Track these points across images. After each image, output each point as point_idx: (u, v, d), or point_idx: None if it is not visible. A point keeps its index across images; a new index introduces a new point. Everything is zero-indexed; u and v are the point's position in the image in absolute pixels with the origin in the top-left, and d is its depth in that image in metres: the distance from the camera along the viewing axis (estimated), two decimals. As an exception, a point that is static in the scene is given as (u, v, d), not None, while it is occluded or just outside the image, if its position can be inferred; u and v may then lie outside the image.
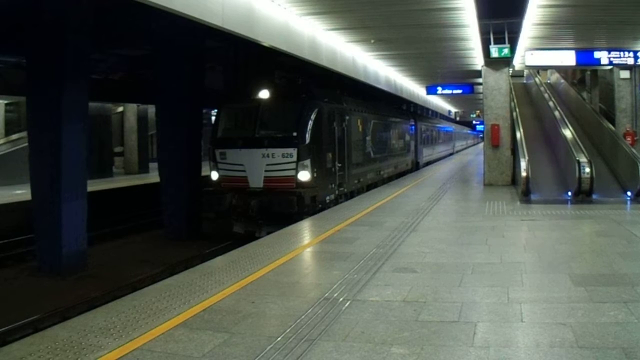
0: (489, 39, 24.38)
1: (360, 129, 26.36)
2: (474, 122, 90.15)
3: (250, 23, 16.02)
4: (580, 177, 19.81)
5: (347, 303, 8.62)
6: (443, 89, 40.26)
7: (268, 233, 16.78)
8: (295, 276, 10.54)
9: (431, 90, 41.26)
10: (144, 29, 21.98)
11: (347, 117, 23.94)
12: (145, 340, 7.19)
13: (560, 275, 9.98)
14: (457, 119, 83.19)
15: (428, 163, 46.76)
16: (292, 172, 19.80)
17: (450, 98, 58.62)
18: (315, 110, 20.72)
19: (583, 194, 19.93)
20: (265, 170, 19.97)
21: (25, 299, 15.09)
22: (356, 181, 25.42)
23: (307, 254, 12.61)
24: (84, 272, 17.84)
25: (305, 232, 15.30)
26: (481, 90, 29.74)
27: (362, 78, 28.14)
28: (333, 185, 22.14)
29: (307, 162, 19.86)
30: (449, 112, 74.12)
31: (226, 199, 19.98)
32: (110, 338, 7.27)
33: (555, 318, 7.64)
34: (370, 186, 28.03)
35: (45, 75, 17.43)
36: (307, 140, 20.08)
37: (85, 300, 14.62)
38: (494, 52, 24.75)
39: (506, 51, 24.66)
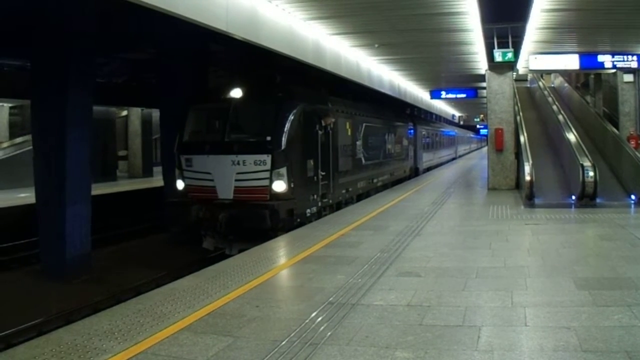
0: (493, 43, 24.36)
1: (349, 133, 24.03)
2: (477, 126, 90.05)
3: (255, 27, 16.02)
4: (584, 181, 19.78)
5: (351, 307, 8.64)
6: (447, 93, 40.26)
7: (240, 251, 15.28)
8: (299, 280, 10.55)
9: (435, 95, 41.17)
10: (148, 33, 21.92)
11: (334, 120, 21.55)
12: (149, 343, 7.20)
13: (564, 279, 9.98)
14: (461, 123, 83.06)
15: (429, 169, 45.22)
16: (266, 182, 17.49)
17: (454, 102, 58.55)
18: (294, 111, 18.44)
19: (587, 198, 19.90)
20: (236, 180, 17.66)
21: (29, 302, 15.10)
22: (344, 191, 23.05)
23: (312, 258, 12.54)
24: (88, 276, 17.83)
25: (310, 236, 15.26)
26: (485, 95, 29.76)
27: (366, 82, 28.12)
28: (315, 197, 19.64)
29: (283, 170, 17.52)
30: (453, 116, 74.08)
31: (192, 211, 17.73)
32: (114, 341, 7.30)
33: (559, 322, 7.64)
34: (362, 196, 25.71)
35: (49, 78, 17.46)
36: (283, 145, 17.71)
37: (89, 303, 14.62)
38: (498, 56, 24.71)
39: (510, 55, 24.61)
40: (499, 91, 26.94)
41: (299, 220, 18.18)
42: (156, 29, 20.43)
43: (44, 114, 17.79)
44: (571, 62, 25.10)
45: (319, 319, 8.09)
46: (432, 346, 6.94)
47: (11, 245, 20.41)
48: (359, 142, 25.40)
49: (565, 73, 37.92)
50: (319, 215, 19.84)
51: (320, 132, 20.05)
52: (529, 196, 20.86)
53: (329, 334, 7.46)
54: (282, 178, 17.49)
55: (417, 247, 13.48)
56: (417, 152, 40.82)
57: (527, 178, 20.82)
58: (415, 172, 39.79)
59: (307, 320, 8.00)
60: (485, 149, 41.88)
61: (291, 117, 18.24)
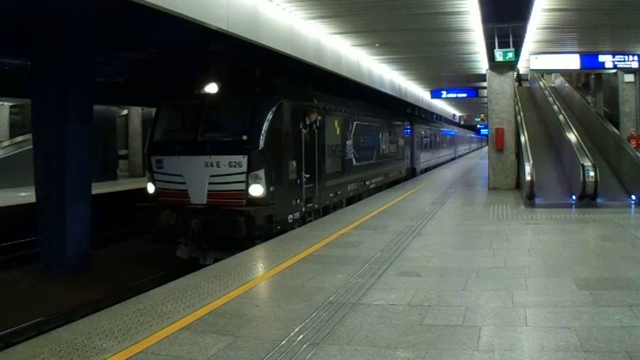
0: (494, 42, 24.33)
1: (338, 132, 22.69)
2: (478, 125, 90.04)
3: (255, 27, 16.02)
4: (584, 181, 19.81)
5: (352, 307, 8.64)
6: (447, 92, 40.31)
7: (215, 260, 14.14)
8: (299, 280, 10.51)
9: (436, 94, 41.19)
10: (149, 32, 21.82)
11: (320, 117, 20.05)
12: (149, 343, 7.20)
13: (564, 279, 9.99)
14: (462, 123, 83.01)
15: (427, 169, 44.16)
16: (242, 186, 16.07)
17: (454, 102, 58.49)
18: (274, 107, 16.91)
19: (587, 198, 19.93)
20: (209, 183, 16.27)
21: (29, 301, 15.09)
22: (332, 194, 21.70)
23: (312, 257, 12.52)
24: (89, 275, 17.81)
25: (310, 235, 15.25)
26: (485, 94, 29.79)
27: (366, 82, 28.07)
28: (298, 201, 18.25)
29: (261, 172, 16.13)
30: (454, 115, 74.05)
31: (163, 217, 16.26)
32: (114, 340, 7.30)
33: (560, 322, 7.64)
34: (353, 200, 24.48)
35: (50, 77, 17.46)
36: (261, 145, 16.25)
37: (89, 302, 14.59)
38: (499, 56, 24.68)
39: (511, 55, 24.58)
40: (499, 91, 26.94)
41: (279, 227, 16.76)
42: (158, 28, 20.35)
43: (45, 113, 17.78)
44: (572, 62, 25.15)
45: (319, 318, 8.09)
46: (432, 346, 6.94)
47: (11, 244, 20.38)
48: (349, 142, 24.12)
49: (566, 73, 37.94)
50: (303, 221, 18.56)
51: (304, 131, 18.69)
52: (530, 196, 20.86)
53: (329, 333, 7.46)
54: (260, 181, 16.14)
55: (418, 247, 13.47)
56: (414, 152, 39.89)
57: (528, 178, 20.81)
58: (412, 173, 38.94)
59: (307, 320, 8.00)
60: (485, 148, 41.85)
61: (270, 114, 16.79)
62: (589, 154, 21.30)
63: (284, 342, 7.17)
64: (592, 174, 19.82)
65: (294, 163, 17.99)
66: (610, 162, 24.90)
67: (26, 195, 23.55)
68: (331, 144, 21.68)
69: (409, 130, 38.24)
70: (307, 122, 19.05)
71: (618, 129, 27.28)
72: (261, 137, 16.35)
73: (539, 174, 22.22)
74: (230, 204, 16.02)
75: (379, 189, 29.10)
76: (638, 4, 17.72)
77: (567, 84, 38.73)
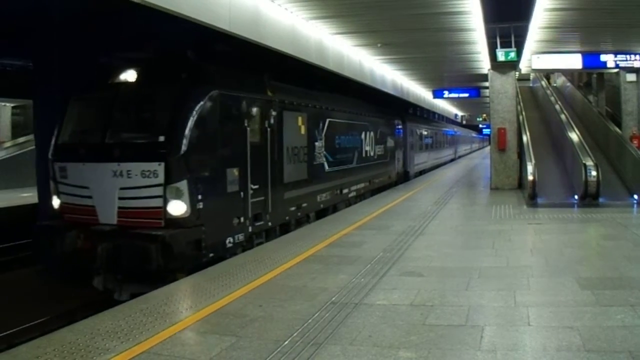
0: (496, 42, 24.33)
1: (303, 131, 18.73)
2: (480, 125, 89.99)
3: (257, 27, 16.02)
4: (586, 181, 19.83)
5: (354, 307, 8.65)
6: (449, 92, 40.20)
7: (133, 295, 11.26)
8: (302, 280, 10.52)
9: (438, 94, 41.10)
10: (151, 33, 21.72)
11: (276, 113, 16.38)
12: (152, 343, 7.23)
13: (567, 278, 10.00)
14: (464, 122, 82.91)
15: (422, 172, 40.88)
16: (158, 202, 12.35)
17: (456, 102, 58.48)
18: (205, 100, 13.19)
19: (590, 198, 19.93)
20: (120, 198, 12.63)
21: (31, 302, 15.06)
22: (293, 208, 17.86)
23: (314, 257, 12.53)
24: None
25: (312, 236, 15.24)
26: (488, 94, 29.78)
27: (369, 82, 28.05)
28: (241, 220, 14.39)
29: (182, 184, 12.39)
30: (456, 115, 74.08)
31: (67, 239, 12.77)
32: (117, 341, 7.33)
33: (562, 321, 7.66)
34: (326, 212, 20.92)
35: (51, 78, 17.46)
36: (184, 148, 12.50)
37: (91, 303, 14.47)
38: (501, 55, 24.68)
39: (513, 55, 24.59)
40: (501, 91, 26.93)
41: (212, 255, 13.07)
42: (160, 28, 20.19)
43: (47, 114, 17.78)
44: (574, 61, 25.14)
45: (322, 318, 8.10)
46: (435, 346, 6.96)
47: (13, 245, 20.35)
48: (318, 143, 20.16)
49: (568, 72, 37.94)
50: (250, 243, 14.85)
51: (250, 130, 14.81)
52: (532, 196, 20.88)
53: (332, 333, 7.48)
54: (182, 196, 12.41)
55: (420, 247, 13.48)
56: (408, 153, 36.11)
57: (530, 178, 20.85)
58: (404, 177, 35.33)
59: (310, 320, 8.02)
60: (487, 148, 41.74)
61: (198, 109, 12.99)
62: (591, 154, 21.31)
63: (286, 342, 7.19)
64: (594, 173, 19.83)
65: (235, 171, 14.17)
66: (612, 161, 24.89)
67: (28, 196, 23.49)
68: (292, 146, 17.77)
69: (400, 130, 34.43)
70: (256, 120, 15.41)
71: (620, 128, 27.27)
72: (184, 137, 12.58)
73: (541, 174, 22.24)
74: (145, 225, 12.35)
75: (362, 197, 25.63)
76: (639, 4, 17.73)
77: (569, 84, 38.75)
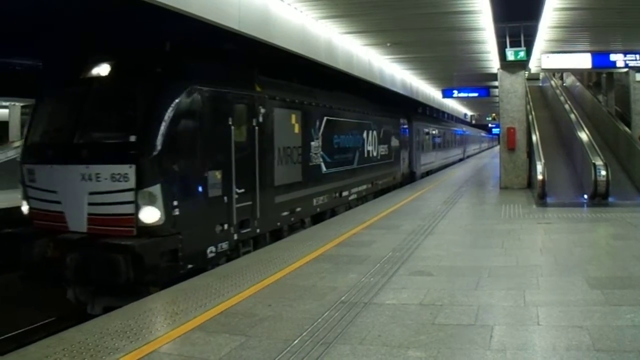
0: (505, 42, 24.34)
1: (297, 130, 17.54)
2: (490, 125, 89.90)
3: (267, 26, 16.06)
4: (596, 180, 19.78)
5: (364, 306, 8.65)
6: (459, 92, 40.06)
7: (106, 309, 10.25)
8: (311, 279, 10.51)
9: (447, 94, 40.98)
10: (162, 32, 21.62)
11: (265, 111, 15.18)
12: (161, 343, 7.26)
13: (576, 278, 9.98)
14: (473, 121, 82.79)
15: (429, 172, 39.80)
16: (130, 208, 11.29)
17: (466, 101, 58.49)
18: (182, 96, 12.05)
19: (599, 197, 19.88)
20: (89, 204, 11.54)
21: (40, 302, 15.00)
22: (286, 213, 16.64)
23: (324, 257, 12.51)
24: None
25: (321, 235, 15.24)
26: (497, 94, 29.74)
27: (378, 81, 28.10)
28: (225, 227, 13.19)
29: (156, 189, 11.30)
30: (465, 115, 74.10)
31: (36, 247, 11.74)
32: (126, 340, 7.34)
33: (572, 321, 7.65)
34: (323, 216, 19.67)
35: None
36: (158, 148, 11.43)
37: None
38: (510, 55, 24.69)
39: (522, 54, 24.59)
40: (511, 90, 26.88)
41: (191, 266, 11.91)
42: (171, 27, 20.07)
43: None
44: (583, 61, 25.03)
45: (331, 318, 8.10)
46: (444, 345, 6.96)
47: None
48: (314, 143, 18.90)
49: (577, 72, 37.86)
50: (236, 252, 13.71)
51: (234, 129, 13.61)
52: (541, 195, 20.84)
53: (341, 333, 7.48)
54: (155, 202, 11.32)
55: (430, 246, 13.47)
56: (414, 153, 35.00)
57: (540, 177, 20.82)
58: (410, 177, 34.10)
59: (319, 319, 8.02)
60: (496, 148, 41.63)
61: (175, 105, 11.88)
62: (600, 153, 21.26)
63: (296, 341, 7.19)
64: (603, 173, 19.79)
65: (217, 174, 13.00)
66: (622, 161, 24.85)
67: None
68: (284, 146, 16.60)
69: (406, 129, 33.21)
70: (243, 117, 14.20)
71: (630, 128, 27.21)
72: (157, 137, 11.48)
73: (551, 173, 22.19)
74: (116, 233, 11.34)
75: (364, 199, 24.47)
76: (649, 3, 17.72)
77: (578, 83, 38.67)
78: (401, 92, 34.05)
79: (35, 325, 11.98)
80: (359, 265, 11.52)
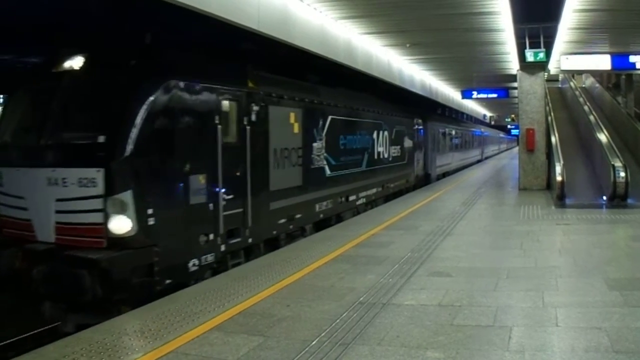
0: (525, 43, 24.27)
1: (296, 130, 16.19)
2: (508, 126, 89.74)
3: (286, 26, 16.07)
4: (615, 182, 19.72)
5: (382, 307, 8.65)
6: (478, 93, 39.90)
7: (79, 327, 9.12)
8: (330, 280, 10.52)
9: (466, 94, 40.84)
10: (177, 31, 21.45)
11: (259, 109, 13.85)
12: (180, 343, 7.28)
13: (595, 279, 9.96)
14: (492, 123, 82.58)
15: (445, 174, 38.53)
16: (98, 217, 10.08)
17: (485, 102, 58.36)
18: (157, 91, 10.77)
19: (618, 198, 19.81)
20: (57, 211, 10.43)
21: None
22: (283, 220, 15.25)
23: (342, 257, 12.50)
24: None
25: (340, 236, 15.23)
26: (516, 95, 29.72)
27: (397, 82, 28.09)
28: (211, 237, 11.90)
29: (126, 196, 10.06)
30: (484, 116, 74.01)
31: (2, 256, 10.81)
32: (144, 340, 7.39)
33: (590, 322, 7.63)
34: (327, 222, 18.21)
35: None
36: (129, 150, 10.19)
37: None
38: (530, 56, 24.61)
39: (541, 55, 24.51)
40: (530, 91, 26.78)
41: (169, 281, 10.66)
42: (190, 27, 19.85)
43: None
44: (603, 62, 24.93)
45: (350, 318, 8.11)
46: (463, 346, 6.96)
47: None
48: (317, 144, 17.55)
49: (596, 73, 37.74)
50: (224, 265, 12.45)
51: (222, 128, 12.30)
52: (560, 196, 20.77)
53: (360, 333, 7.49)
54: (126, 210, 10.07)
55: (448, 247, 13.46)
56: (429, 155, 33.41)
57: (559, 178, 20.75)
58: (425, 180, 32.59)
59: (337, 320, 8.03)
60: (515, 149, 41.46)
61: (150, 102, 10.62)
62: (619, 155, 21.21)
63: (314, 342, 7.21)
64: (622, 174, 19.73)
65: (201, 178, 11.68)
66: (641, 162, 24.77)
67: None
68: (282, 147, 15.25)
69: (421, 130, 31.70)
70: (232, 116, 12.94)
71: (649, 129, 27.13)
72: (129, 138, 10.25)
73: (570, 175, 22.10)
74: (86, 244, 10.19)
75: (374, 203, 22.99)
76: (669, 4, 17.65)
77: (597, 85, 38.56)
78: (420, 92, 34.01)
79: (57, 323, 10.61)
80: (377, 265, 11.52)
